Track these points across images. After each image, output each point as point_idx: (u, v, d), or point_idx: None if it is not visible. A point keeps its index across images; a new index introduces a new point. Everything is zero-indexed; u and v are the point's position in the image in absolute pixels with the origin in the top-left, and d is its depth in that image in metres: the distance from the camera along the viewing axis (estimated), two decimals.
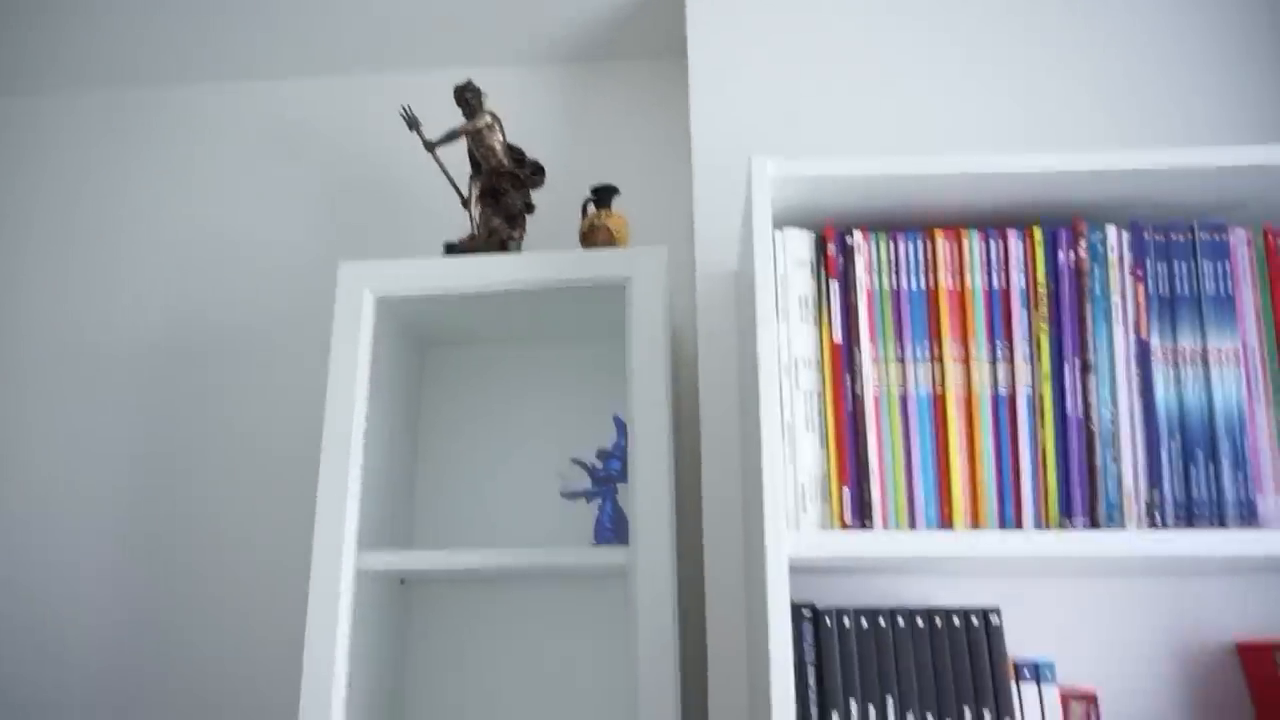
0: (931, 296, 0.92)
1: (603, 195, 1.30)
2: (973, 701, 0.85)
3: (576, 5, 1.53)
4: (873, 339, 0.91)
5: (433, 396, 1.45)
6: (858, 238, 0.93)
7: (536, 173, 1.34)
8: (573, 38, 1.61)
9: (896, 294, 0.92)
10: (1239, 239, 0.91)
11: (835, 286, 0.92)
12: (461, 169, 1.61)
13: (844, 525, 0.85)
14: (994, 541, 0.81)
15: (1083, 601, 1.04)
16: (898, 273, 0.93)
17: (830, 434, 0.88)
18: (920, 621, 0.88)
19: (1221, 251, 0.90)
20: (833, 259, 0.93)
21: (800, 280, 0.93)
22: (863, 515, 0.86)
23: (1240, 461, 0.84)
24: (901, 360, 0.90)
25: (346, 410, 1.15)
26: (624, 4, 1.53)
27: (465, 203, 1.34)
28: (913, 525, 0.85)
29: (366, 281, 1.21)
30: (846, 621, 0.88)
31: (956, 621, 0.87)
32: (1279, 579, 1.04)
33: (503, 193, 1.31)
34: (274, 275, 1.62)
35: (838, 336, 0.91)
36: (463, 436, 1.42)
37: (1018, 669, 0.89)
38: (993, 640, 0.87)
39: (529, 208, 1.33)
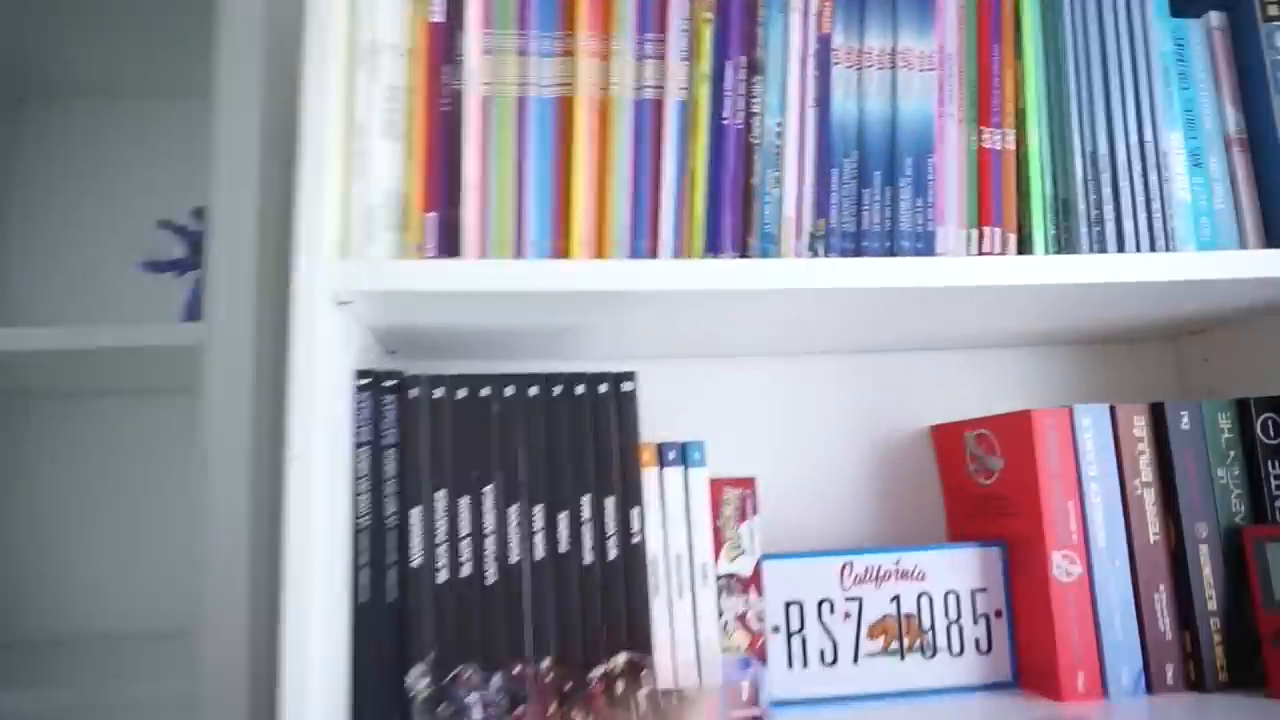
0: None
1: None
2: (594, 489, 0.68)
3: None
4: (486, 22, 0.67)
5: (28, 156, 1.11)
6: None
7: None
8: None
9: None
10: None
11: None
12: None
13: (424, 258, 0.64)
14: (620, 271, 0.62)
15: (753, 386, 0.89)
16: None
17: (416, 142, 0.65)
18: (535, 390, 0.68)
19: None
20: None
21: None
22: (451, 248, 0.64)
23: (922, 186, 0.68)
24: (523, 52, 0.67)
25: None
26: None
27: None
28: (519, 258, 0.65)
29: None
30: (439, 392, 0.67)
31: (580, 389, 0.69)
32: (969, 358, 0.93)
33: None
34: None
35: (437, 15, 0.67)
36: (60, 209, 1.10)
37: (661, 452, 0.72)
38: (624, 413, 0.69)
39: None
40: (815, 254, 0.66)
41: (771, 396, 0.89)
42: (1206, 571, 0.74)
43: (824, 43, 0.69)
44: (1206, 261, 0.68)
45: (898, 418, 0.90)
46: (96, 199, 1.10)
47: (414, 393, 0.67)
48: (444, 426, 0.67)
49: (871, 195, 0.67)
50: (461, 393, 0.67)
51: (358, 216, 0.63)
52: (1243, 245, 0.72)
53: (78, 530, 1.04)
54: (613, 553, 0.67)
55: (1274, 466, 0.76)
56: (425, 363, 0.86)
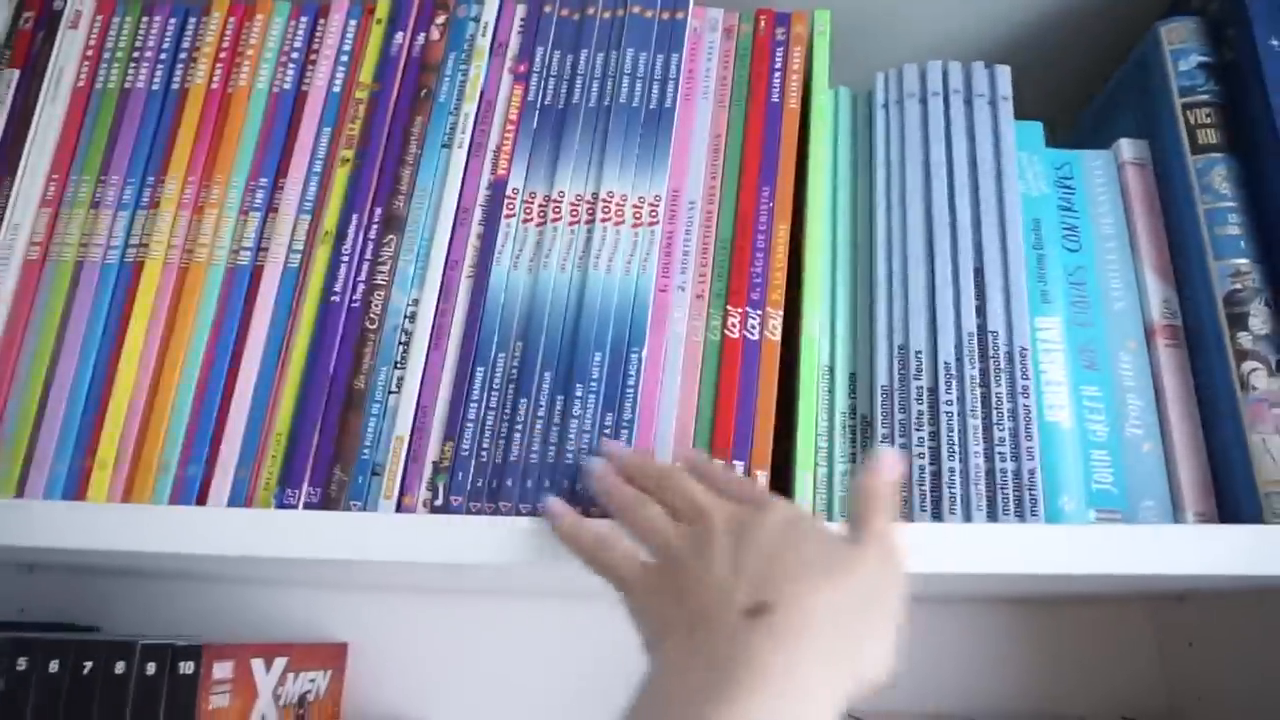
0: (181, 100, 0.52)
1: None
2: None
3: None
4: (65, 168, 0.51)
5: None
6: (88, 2, 0.54)
7: None
8: None
9: (126, 96, 0.53)
10: (711, 23, 0.52)
11: (14, 80, 0.53)
12: None
13: None
14: (120, 525, 0.42)
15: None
16: (139, 62, 0.53)
17: None
18: (56, 665, 0.48)
19: (674, 40, 0.51)
20: (26, 35, 0.54)
21: None
22: None
23: (616, 397, 0.45)
24: (96, 204, 0.51)
25: None
26: None
27: None
28: (21, 493, 0.46)
29: None
30: None
31: (120, 668, 0.47)
32: None
33: None
34: None
35: None
36: None
37: None
38: (177, 711, 0.47)
39: None
40: (433, 494, 0.44)
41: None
42: None
43: (496, 188, 0.49)
44: (1095, 542, 0.40)
45: None
46: None
47: None
48: None
49: (531, 409, 0.45)
50: None
51: None
52: (1176, 510, 0.44)
53: None
54: None
55: None
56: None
